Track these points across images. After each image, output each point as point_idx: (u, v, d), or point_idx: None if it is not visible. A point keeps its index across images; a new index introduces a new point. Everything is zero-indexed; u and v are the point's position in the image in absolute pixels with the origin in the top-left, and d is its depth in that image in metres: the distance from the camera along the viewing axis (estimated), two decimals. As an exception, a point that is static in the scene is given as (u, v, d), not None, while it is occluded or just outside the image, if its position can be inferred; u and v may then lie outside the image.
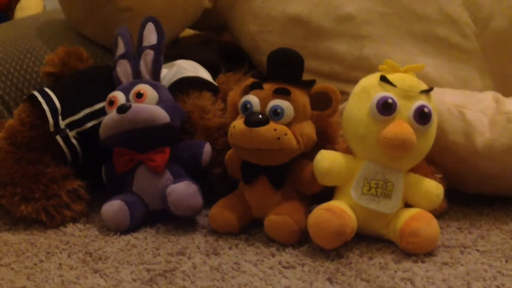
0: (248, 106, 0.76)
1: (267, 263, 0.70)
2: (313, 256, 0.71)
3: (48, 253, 0.76)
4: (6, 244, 0.80)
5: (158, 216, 0.85)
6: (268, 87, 0.76)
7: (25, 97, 0.94)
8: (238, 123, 0.75)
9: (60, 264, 0.72)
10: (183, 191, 0.80)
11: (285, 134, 0.73)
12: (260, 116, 0.74)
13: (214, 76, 1.01)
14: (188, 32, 1.46)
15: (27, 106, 0.91)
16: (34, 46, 1.11)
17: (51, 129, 0.88)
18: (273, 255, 0.72)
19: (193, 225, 0.84)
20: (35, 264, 0.73)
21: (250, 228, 0.81)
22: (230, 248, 0.75)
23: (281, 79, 0.76)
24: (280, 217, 0.75)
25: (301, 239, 0.76)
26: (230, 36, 1.29)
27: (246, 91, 0.78)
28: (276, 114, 0.74)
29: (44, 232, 0.84)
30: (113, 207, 0.82)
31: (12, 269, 0.72)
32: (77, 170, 0.91)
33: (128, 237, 0.80)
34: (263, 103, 0.75)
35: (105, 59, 1.10)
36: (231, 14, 1.15)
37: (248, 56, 1.17)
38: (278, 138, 0.73)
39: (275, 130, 0.73)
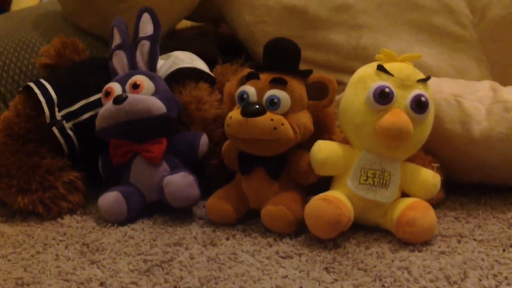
0: (245, 96, 0.76)
1: (264, 253, 0.70)
2: (310, 246, 0.71)
3: (45, 244, 0.76)
4: (3, 235, 0.80)
5: (155, 207, 0.85)
6: (264, 77, 0.76)
7: (21, 88, 0.93)
8: (235, 114, 0.75)
9: (57, 255, 0.72)
10: (180, 182, 0.80)
11: (282, 124, 0.73)
12: (256, 106, 0.74)
13: (211, 67, 1.01)
14: (186, 23, 1.45)
15: (23, 98, 0.90)
16: (30, 37, 1.10)
17: (47, 120, 0.87)
18: (270, 245, 0.72)
19: (190, 216, 0.84)
20: (32, 256, 0.73)
21: (247, 219, 0.81)
22: (227, 239, 0.75)
23: (278, 69, 0.76)
24: (277, 207, 0.74)
25: (298, 229, 0.76)
26: (227, 27, 1.28)
27: (243, 82, 0.78)
28: (273, 104, 0.74)
29: (41, 223, 0.84)
30: (110, 198, 0.82)
31: (9, 260, 0.72)
32: (73, 161, 0.91)
33: (125, 228, 0.80)
34: (260, 93, 0.75)
35: (101, 51, 1.09)
36: (227, 4, 1.14)
37: (245, 47, 1.16)
38: (275, 128, 0.73)
39: (271, 120, 0.73)
